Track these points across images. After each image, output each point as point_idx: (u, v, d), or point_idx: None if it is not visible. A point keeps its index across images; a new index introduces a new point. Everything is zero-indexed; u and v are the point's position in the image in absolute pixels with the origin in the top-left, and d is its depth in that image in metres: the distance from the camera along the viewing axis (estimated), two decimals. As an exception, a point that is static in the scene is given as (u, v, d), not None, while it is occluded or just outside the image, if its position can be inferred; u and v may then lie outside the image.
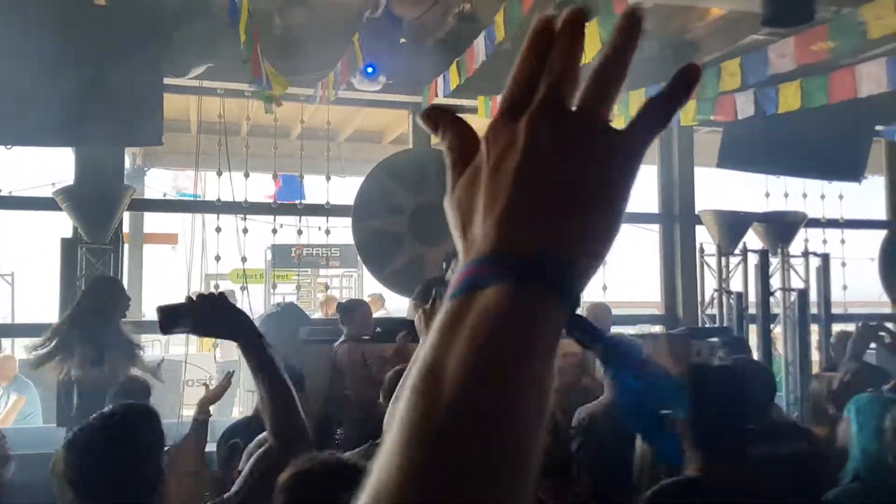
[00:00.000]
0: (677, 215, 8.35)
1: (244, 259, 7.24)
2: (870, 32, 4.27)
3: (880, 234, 9.15)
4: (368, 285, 11.05)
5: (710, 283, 8.04)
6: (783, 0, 2.86)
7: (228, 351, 9.15)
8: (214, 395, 4.00)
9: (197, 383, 11.90)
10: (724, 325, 7.48)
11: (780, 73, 4.90)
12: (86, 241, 6.53)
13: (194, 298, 1.91)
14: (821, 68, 5.24)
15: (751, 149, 7.31)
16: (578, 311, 0.56)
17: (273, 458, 1.89)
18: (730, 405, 2.21)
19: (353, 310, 5.45)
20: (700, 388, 2.22)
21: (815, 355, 7.83)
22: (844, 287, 8.66)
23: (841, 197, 8.75)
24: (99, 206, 6.54)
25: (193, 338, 12.01)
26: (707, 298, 8.03)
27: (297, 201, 7.65)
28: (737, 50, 6.61)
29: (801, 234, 8.27)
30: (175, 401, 8.54)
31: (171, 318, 1.84)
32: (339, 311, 5.52)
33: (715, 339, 6.60)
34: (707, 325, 7.71)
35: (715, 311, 7.80)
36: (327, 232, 7.58)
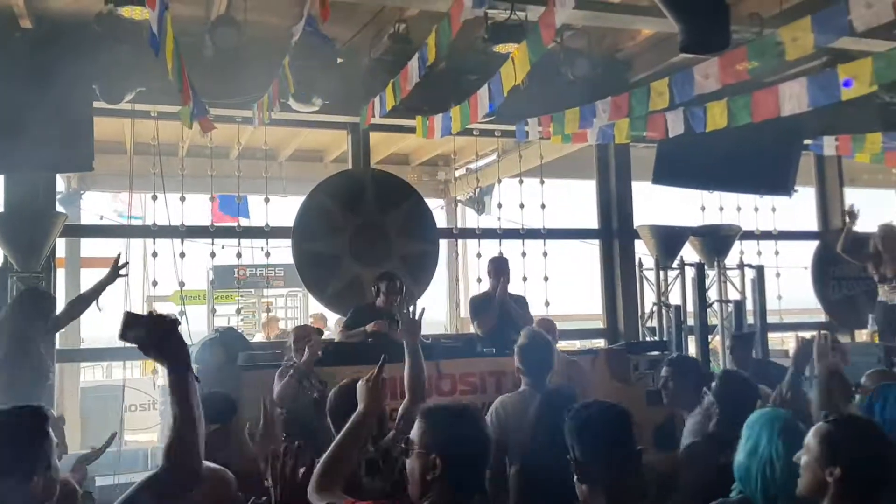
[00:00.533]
0: (616, 230, 8.47)
1: (182, 284, 7.12)
2: (787, 53, 4.40)
3: (813, 244, 9.42)
4: (314, 305, 10.97)
5: (649, 297, 8.18)
6: (699, 28, 2.92)
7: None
8: (94, 455, 3.93)
9: (140, 408, 11.68)
10: (664, 337, 7.61)
11: (706, 92, 5.02)
12: (16, 270, 6.35)
13: (154, 316, 2.02)
14: (750, 86, 5.40)
15: (685, 165, 7.46)
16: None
17: (160, 483, 1.94)
18: (616, 443, 2.26)
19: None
20: (586, 429, 2.27)
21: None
22: (779, 297, 8.88)
23: (774, 209, 9.00)
24: (30, 234, 6.37)
25: (136, 363, 11.79)
26: (647, 311, 8.16)
27: (236, 224, 7.56)
28: (667, 68, 6.75)
29: (737, 246, 8.47)
30: (115, 426, 8.34)
31: (129, 327, 1.97)
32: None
33: (656, 353, 6.70)
34: (647, 338, 7.83)
35: (655, 323, 7.93)
36: (267, 254, 7.50)
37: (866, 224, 7.73)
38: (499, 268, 6.51)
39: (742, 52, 4.72)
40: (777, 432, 2.49)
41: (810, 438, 2.23)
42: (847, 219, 7.61)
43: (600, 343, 8.32)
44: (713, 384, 3.82)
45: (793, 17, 4.58)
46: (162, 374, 9.31)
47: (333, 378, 4.55)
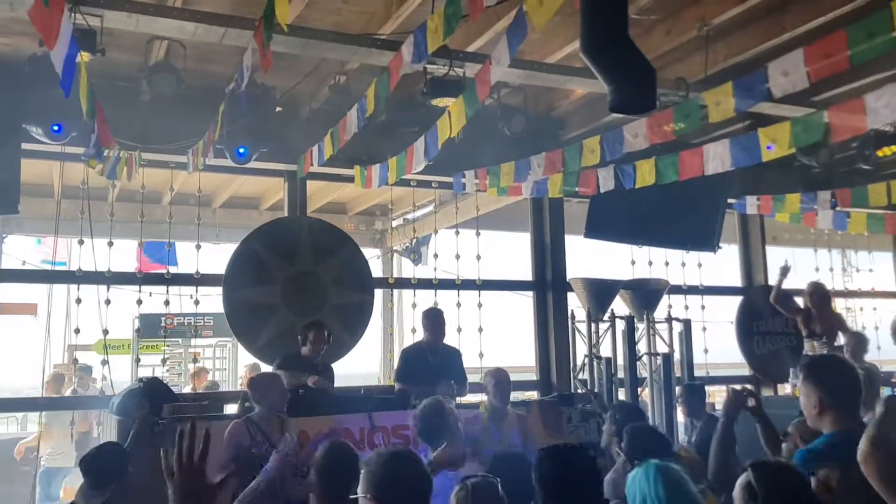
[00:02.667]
0: (549, 282, 8.60)
1: (106, 331, 6.89)
2: (711, 116, 4.62)
3: (737, 300, 9.71)
4: (243, 355, 10.73)
5: (581, 349, 8.26)
6: (627, 90, 3.06)
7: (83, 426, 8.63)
8: None
9: (55, 461, 11.12)
10: (595, 389, 7.68)
11: (635, 150, 5.22)
12: (-71, 314, 6.08)
13: None
14: (678, 146, 5.63)
15: (616, 221, 7.66)
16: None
17: None
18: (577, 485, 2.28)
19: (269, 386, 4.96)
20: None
21: (681, 416, 8.14)
22: (706, 351, 9.09)
23: (700, 265, 9.27)
24: (-55, 277, 6.12)
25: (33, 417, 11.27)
26: (579, 363, 8.24)
27: (165, 270, 7.39)
28: (599, 127, 6.98)
29: (665, 300, 8.66)
30: (27, 481, 7.95)
31: None
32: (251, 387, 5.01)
33: (588, 406, 6.76)
34: (578, 390, 7.88)
35: (586, 375, 8.00)
36: (196, 302, 7.33)
37: (788, 281, 8.05)
38: (434, 322, 6.51)
39: (669, 113, 4.95)
40: (653, 480, 2.56)
41: (736, 486, 2.29)
42: (780, 273, 7.95)
43: (534, 395, 8.35)
44: (623, 441, 3.84)
45: (716, 82, 4.83)
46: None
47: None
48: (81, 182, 6.99)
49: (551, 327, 8.55)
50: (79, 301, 6.84)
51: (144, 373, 8.40)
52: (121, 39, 5.79)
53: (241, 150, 6.45)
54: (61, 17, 3.51)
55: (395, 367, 6.53)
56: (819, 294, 7.77)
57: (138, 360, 8.80)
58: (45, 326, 9.03)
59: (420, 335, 6.75)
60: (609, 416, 4.71)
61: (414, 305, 8.14)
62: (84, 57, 4.57)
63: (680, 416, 7.91)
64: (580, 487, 2.35)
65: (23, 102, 5.94)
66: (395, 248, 11.93)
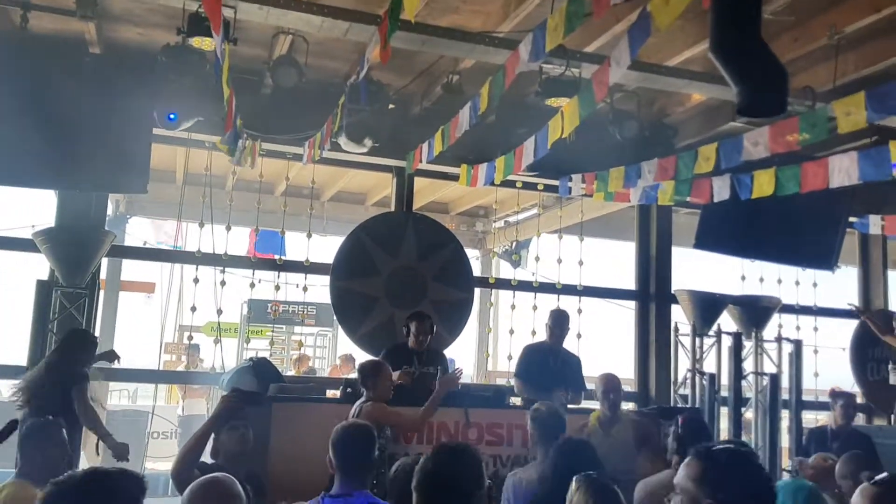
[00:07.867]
0: (653, 293, 8.41)
1: (220, 311, 7.20)
2: (840, 127, 4.42)
3: (853, 324, 9.24)
4: (342, 345, 11.00)
5: (683, 363, 8.06)
6: (757, 91, 2.96)
7: (192, 404, 9.06)
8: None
9: (162, 435, 11.75)
10: (696, 405, 7.47)
11: (753, 160, 5.04)
12: (61, 285, 6.49)
13: None
14: (796, 158, 5.41)
15: (728, 232, 7.43)
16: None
17: None
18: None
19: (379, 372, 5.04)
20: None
21: (785, 441, 7.81)
22: (816, 374, 8.71)
23: (815, 285, 8.88)
24: (78, 250, 6.52)
25: (162, 387, 11.88)
26: (680, 378, 8.03)
27: (277, 257, 7.67)
28: (714, 136, 6.79)
29: (775, 319, 8.34)
30: (139, 452, 8.38)
31: None
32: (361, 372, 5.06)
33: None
34: (679, 405, 7.69)
35: (687, 391, 7.80)
36: (304, 289, 7.58)
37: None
38: (558, 322, 6.51)
39: (794, 122, 4.75)
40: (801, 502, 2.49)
41: (856, 497, 2.22)
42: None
43: (631, 406, 8.19)
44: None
45: (845, 93, 4.61)
46: (187, 403, 9.39)
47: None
48: (205, 168, 7.33)
49: (652, 339, 8.37)
50: (196, 281, 7.18)
51: (251, 355, 8.73)
52: (248, 33, 6.04)
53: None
54: (221, 3, 3.72)
55: (517, 361, 6.53)
56: None
57: (248, 340, 9.14)
58: (162, 305, 9.51)
59: (518, 337, 6.73)
60: (671, 431, 4.29)
61: (513, 307, 8.14)
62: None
63: (785, 441, 7.61)
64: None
65: (155, 90, 6.28)
66: (494, 249, 11.94)
